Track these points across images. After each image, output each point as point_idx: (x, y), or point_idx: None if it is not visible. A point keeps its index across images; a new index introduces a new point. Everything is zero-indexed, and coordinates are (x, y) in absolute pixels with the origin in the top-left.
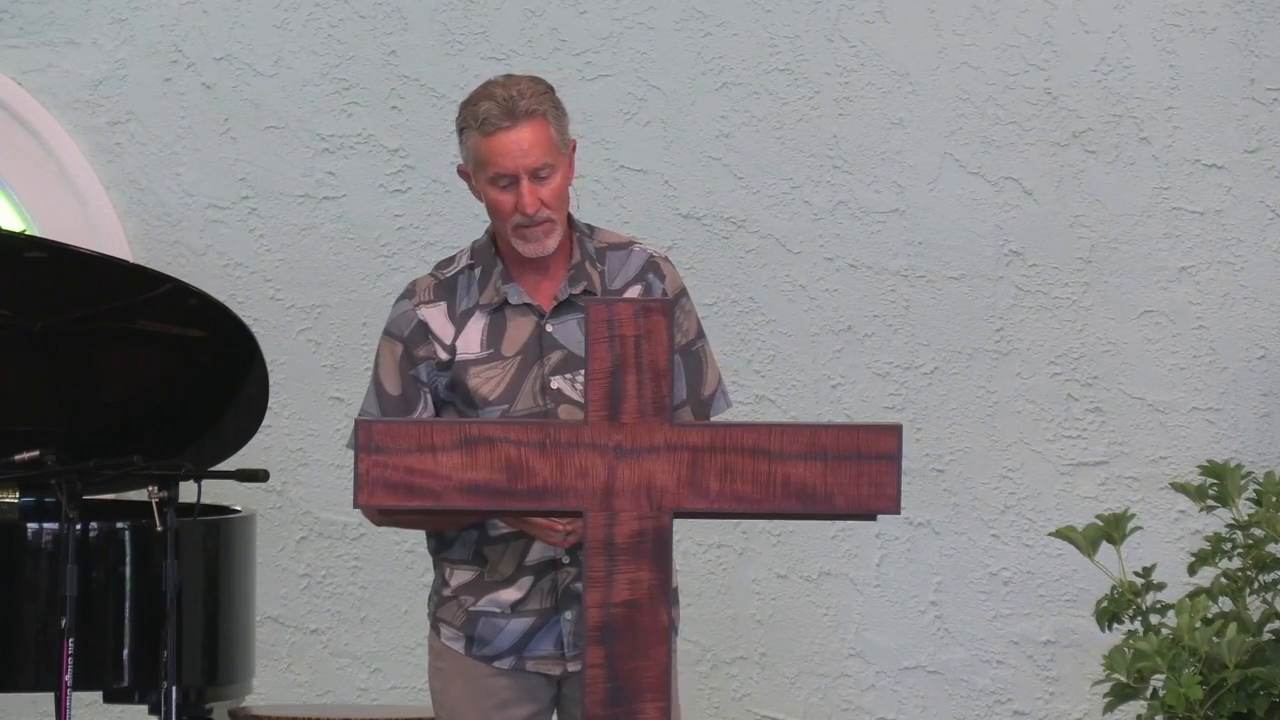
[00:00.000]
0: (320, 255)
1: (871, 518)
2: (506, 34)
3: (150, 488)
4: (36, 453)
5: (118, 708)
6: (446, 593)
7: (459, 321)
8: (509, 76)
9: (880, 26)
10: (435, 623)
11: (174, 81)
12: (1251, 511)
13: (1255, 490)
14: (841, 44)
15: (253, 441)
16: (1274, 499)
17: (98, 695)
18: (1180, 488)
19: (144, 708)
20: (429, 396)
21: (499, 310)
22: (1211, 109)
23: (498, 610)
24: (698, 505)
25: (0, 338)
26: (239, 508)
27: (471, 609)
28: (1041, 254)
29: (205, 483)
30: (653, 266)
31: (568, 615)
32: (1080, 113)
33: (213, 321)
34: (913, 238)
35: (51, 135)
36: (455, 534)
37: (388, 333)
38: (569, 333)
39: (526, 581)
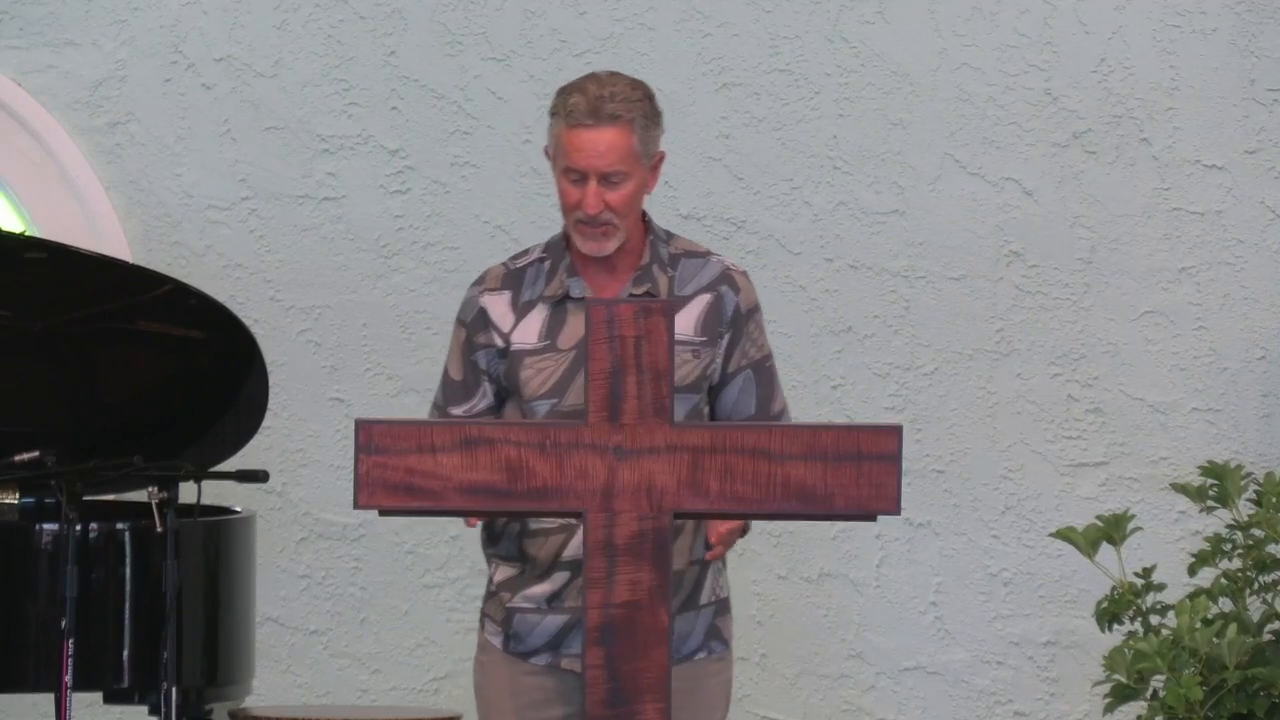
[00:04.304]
0: (320, 256)
1: (871, 518)
2: (506, 34)
3: (150, 488)
4: (36, 453)
5: (118, 708)
6: (491, 588)
7: (520, 311)
8: (612, 74)
9: (880, 27)
10: (482, 618)
11: (174, 82)
12: (1252, 512)
13: (1255, 491)
14: (841, 44)
15: (253, 442)
16: (1274, 499)
17: (98, 696)
18: (1180, 488)
19: (144, 708)
20: (489, 385)
21: (560, 303)
22: (1211, 109)
23: (533, 606)
24: (698, 506)
25: (0, 338)
26: (239, 508)
27: (509, 604)
28: (1041, 254)
29: (205, 483)
30: (728, 278)
31: None
32: (1080, 113)
33: (213, 322)
34: (913, 238)
35: (51, 136)
36: (502, 528)
37: (457, 318)
38: None
39: (562, 576)
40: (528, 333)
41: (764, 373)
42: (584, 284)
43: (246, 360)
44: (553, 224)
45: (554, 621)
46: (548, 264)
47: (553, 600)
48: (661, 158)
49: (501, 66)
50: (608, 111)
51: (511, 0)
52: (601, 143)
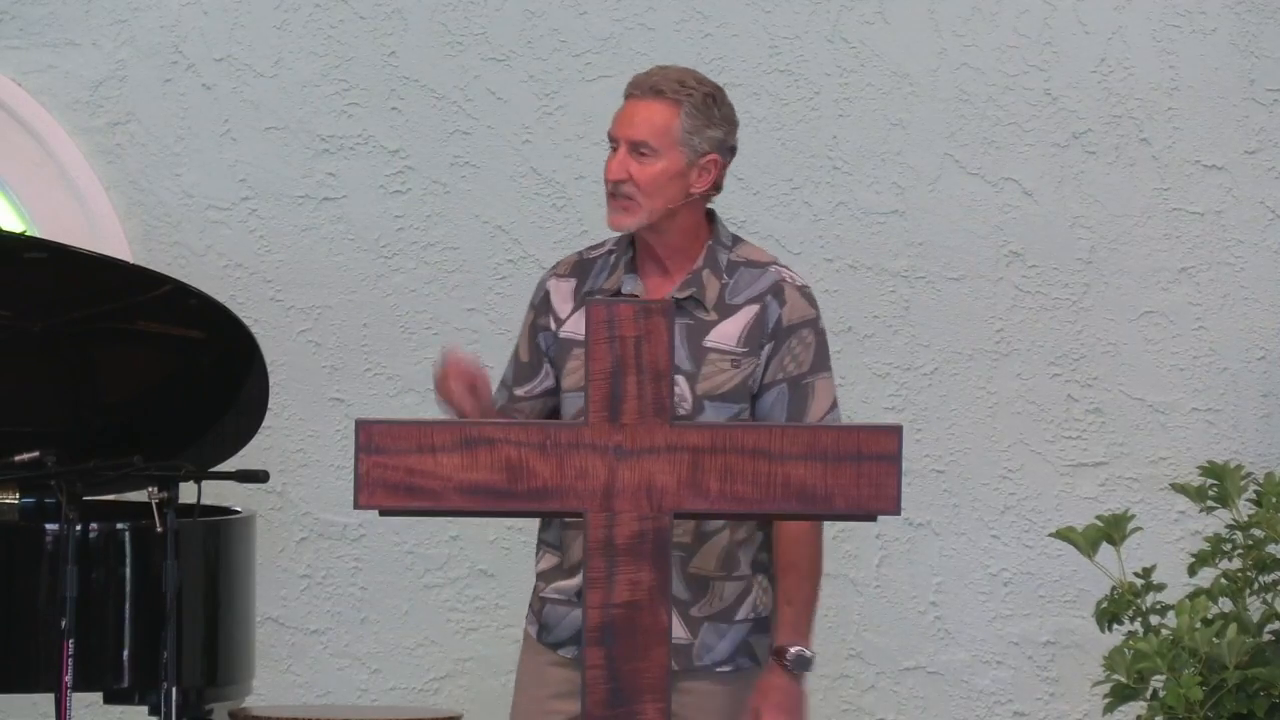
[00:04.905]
0: (320, 256)
1: (871, 518)
2: (506, 34)
3: (150, 488)
4: (36, 453)
5: (118, 708)
6: (535, 579)
7: (580, 301)
8: (687, 69)
9: (880, 27)
10: (529, 607)
11: (174, 82)
12: (1251, 512)
13: (1255, 491)
14: (841, 45)
15: (253, 442)
16: (1274, 500)
17: (98, 696)
18: (1180, 488)
19: (144, 708)
20: (550, 367)
21: (614, 298)
22: (1211, 109)
23: (564, 598)
24: (698, 506)
25: (0, 338)
26: (239, 508)
27: (542, 594)
28: (1041, 254)
29: (205, 483)
30: (777, 290)
31: None
32: (1080, 113)
33: (213, 322)
34: (913, 238)
35: (51, 136)
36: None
37: (529, 301)
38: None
39: None
40: (579, 323)
41: (799, 390)
42: (638, 282)
43: (246, 360)
44: (552, 224)
45: (581, 615)
46: (614, 258)
47: (581, 594)
48: (712, 160)
49: (501, 66)
50: (652, 84)
51: (511, 0)
52: (637, 113)
